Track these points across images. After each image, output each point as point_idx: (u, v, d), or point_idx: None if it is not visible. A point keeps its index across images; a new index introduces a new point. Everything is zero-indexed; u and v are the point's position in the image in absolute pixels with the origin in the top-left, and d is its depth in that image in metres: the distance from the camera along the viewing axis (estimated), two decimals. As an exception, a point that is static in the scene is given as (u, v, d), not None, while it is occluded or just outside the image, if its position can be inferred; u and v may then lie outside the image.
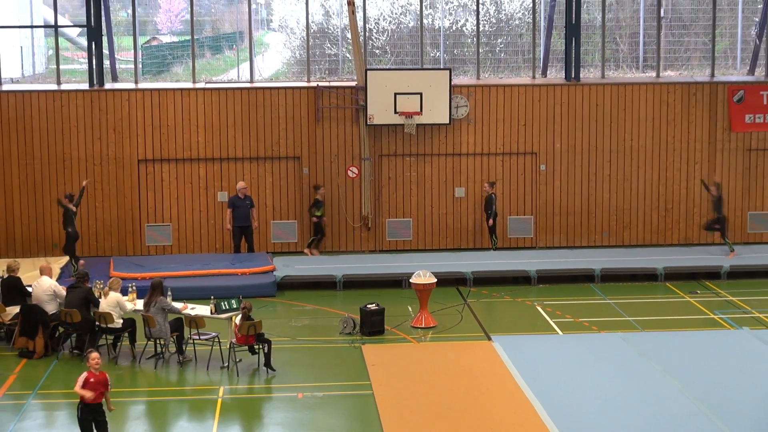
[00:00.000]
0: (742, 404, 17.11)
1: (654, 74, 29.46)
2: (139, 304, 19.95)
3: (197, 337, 19.38)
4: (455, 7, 30.49)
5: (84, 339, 19.68)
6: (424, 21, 29.41)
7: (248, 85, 28.06)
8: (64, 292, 20.06)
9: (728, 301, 23.80)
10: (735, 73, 30.25)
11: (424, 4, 29.16)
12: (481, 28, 29.37)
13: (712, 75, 29.28)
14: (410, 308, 22.95)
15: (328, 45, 30.29)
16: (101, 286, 20.46)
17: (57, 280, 21.77)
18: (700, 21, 30.49)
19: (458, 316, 22.69)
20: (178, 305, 19.72)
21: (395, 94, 27.06)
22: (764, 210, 28.62)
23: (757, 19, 29.98)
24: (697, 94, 28.23)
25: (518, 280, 25.48)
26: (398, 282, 24.81)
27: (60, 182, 27.06)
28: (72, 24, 31.90)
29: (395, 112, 27.13)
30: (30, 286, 20.68)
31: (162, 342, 19.51)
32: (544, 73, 29.32)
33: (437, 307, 22.93)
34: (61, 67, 28.37)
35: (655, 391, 17.70)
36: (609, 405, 17.11)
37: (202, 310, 19.83)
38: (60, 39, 28.65)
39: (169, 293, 20.00)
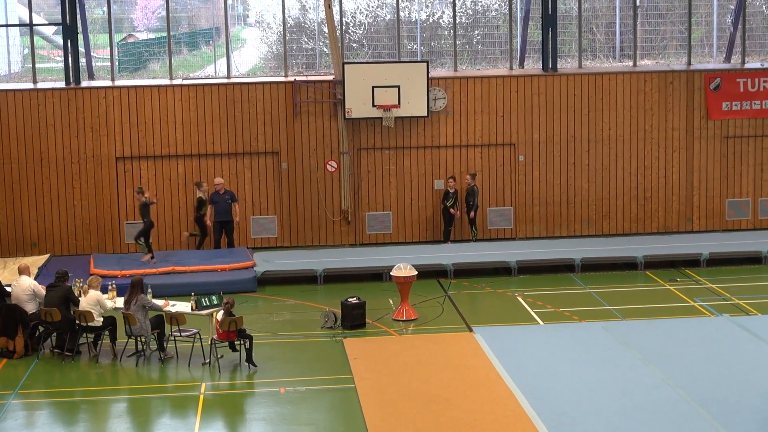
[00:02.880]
0: (723, 391, 17.18)
1: (631, 63, 29.53)
2: (120, 301, 19.89)
3: (178, 333, 19.33)
4: (432, 0, 30.47)
5: (64, 338, 19.61)
6: (401, 14, 29.39)
7: (225, 80, 27.99)
8: (43, 292, 19.98)
9: (708, 288, 23.89)
10: (711, 61, 30.34)
11: (400, -4, 29.16)
12: (457, 20, 29.36)
13: (689, 63, 29.36)
14: (391, 301, 22.95)
15: (305, 39, 30.23)
16: (81, 284, 20.39)
17: (36, 279, 21.67)
18: (676, 9, 30.55)
19: (439, 308, 22.71)
20: (158, 302, 19.69)
21: (373, 87, 27.05)
22: (742, 197, 28.75)
23: (732, 7, 30.07)
24: (674, 83, 28.31)
25: (499, 271, 25.51)
26: (379, 275, 24.81)
27: (38, 181, 26.97)
28: (47, 22, 31.71)
29: (373, 106, 27.11)
30: (9, 285, 20.59)
31: (143, 339, 19.46)
32: (521, 64, 29.34)
33: (418, 300, 22.94)
34: (37, 65, 28.24)
35: (636, 379, 17.75)
36: (591, 394, 17.15)
37: (183, 306, 19.78)
38: (35, 37, 28.51)
39: (150, 290, 19.96)
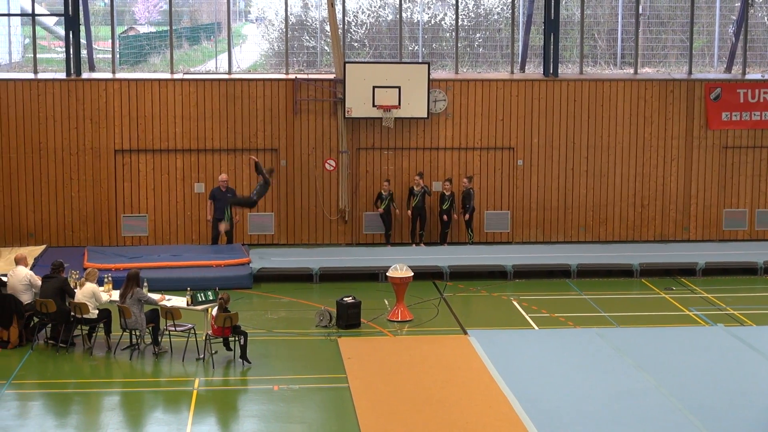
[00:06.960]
0: (715, 400, 17.20)
1: (632, 71, 29.56)
2: (115, 294, 19.87)
3: (173, 328, 19.33)
4: (434, 1, 30.46)
5: (59, 329, 19.60)
6: (403, 15, 29.39)
7: (226, 76, 27.99)
8: (39, 282, 19.97)
9: (703, 297, 23.91)
10: (712, 70, 30.38)
11: (403, -3, 29.16)
12: (459, 23, 29.37)
13: (690, 72, 29.39)
14: (387, 302, 22.95)
15: (307, 37, 30.23)
16: (77, 276, 20.37)
17: (31, 270, 21.65)
18: (677, 18, 30.60)
19: (434, 310, 22.71)
20: (154, 296, 19.67)
21: (373, 87, 27.05)
22: (740, 207, 28.78)
23: (734, 17, 30.11)
24: (674, 91, 28.35)
25: (494, 274, 25.51)
26: (375, 275, 24.80)
27: (36, 172, 26.94)
28: (49, 13, 31.68)
29: (373, 106, 27.12)
30: (5, 275, 20.57)
31: (137, 333, 19.45)
32: (522, 69, 29.35)
33: (414, 301, 22.94)
34: (38, 56, 28.21)
35: (629, 386, 17.77)
36: (583, 400, 17.16)
37: (179, 301, 19.78)
38: (37, 28, 28.47)
39: (146, 284, 19.95)
